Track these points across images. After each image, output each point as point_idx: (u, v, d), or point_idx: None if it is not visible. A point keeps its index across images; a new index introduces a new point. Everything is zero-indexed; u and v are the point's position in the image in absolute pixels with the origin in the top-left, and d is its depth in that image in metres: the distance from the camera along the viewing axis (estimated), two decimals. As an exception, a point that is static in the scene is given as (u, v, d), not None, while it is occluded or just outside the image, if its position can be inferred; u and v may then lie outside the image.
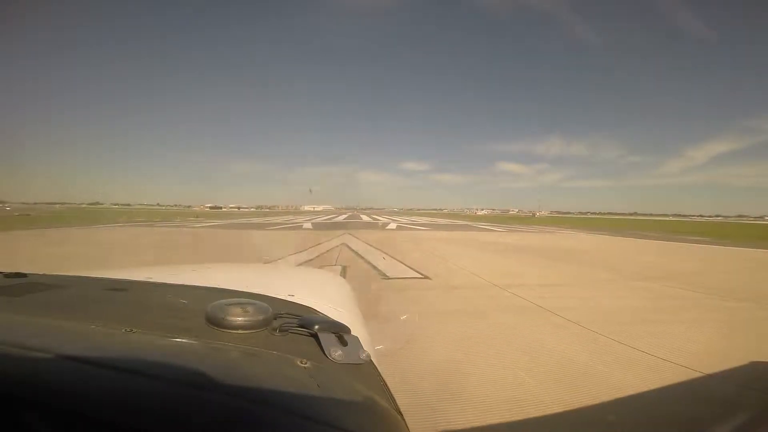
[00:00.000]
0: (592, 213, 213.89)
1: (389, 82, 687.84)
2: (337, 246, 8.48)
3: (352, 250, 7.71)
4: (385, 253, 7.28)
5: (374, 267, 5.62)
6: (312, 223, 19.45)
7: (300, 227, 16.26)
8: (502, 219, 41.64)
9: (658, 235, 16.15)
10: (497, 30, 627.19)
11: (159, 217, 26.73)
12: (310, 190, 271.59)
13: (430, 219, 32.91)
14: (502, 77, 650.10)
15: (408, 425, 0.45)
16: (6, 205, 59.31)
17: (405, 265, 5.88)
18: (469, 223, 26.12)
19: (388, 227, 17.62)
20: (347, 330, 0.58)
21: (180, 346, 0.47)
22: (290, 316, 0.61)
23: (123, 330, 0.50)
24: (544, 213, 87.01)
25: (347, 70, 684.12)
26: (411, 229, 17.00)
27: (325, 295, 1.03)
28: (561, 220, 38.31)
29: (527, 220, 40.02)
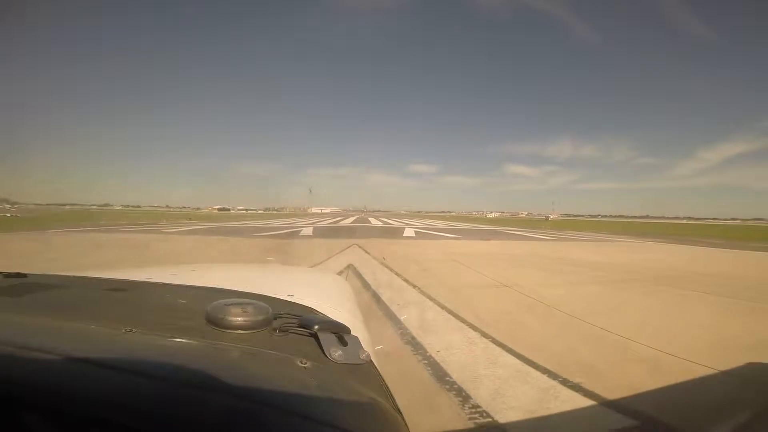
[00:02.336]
0: (602, 215, 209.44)
1: (398, 84, 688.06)
2: (341, 273, 5.13)
3: (366, 285, 4.39)
4: (429, 296, 3.84)
5: (417, 348, 2.40)
6: (314, 228, 15.83)
7: (297, 234, 12.86)
8: (519, 222, 38.31)
9: (726, 242, 13.52)
10: (507, 31, 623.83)
11: (153, 218, 24.60)
12: (310, 190, 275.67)
13: (446, 223, 29.05)
14: (512, 78, 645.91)
15: (408, 425, 0.45)
16: (13, 206, 58.39)
17: (498, 343, 2.54)
18: (494, 227, 21.95)
19: (405, 234, 13.98)
20: (347, 330, 0.58)
21: (180, 346, 0.47)
22: (290, 316, 0.60)
23: (123, 330, 0.50)
24: (555, 216, 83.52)
25: (355, 72, 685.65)
26: (436, 237, 13.21)
27: (325, 295, 1.03)
28: (583, 224, 33.07)
29: (543, 223, 37.12)
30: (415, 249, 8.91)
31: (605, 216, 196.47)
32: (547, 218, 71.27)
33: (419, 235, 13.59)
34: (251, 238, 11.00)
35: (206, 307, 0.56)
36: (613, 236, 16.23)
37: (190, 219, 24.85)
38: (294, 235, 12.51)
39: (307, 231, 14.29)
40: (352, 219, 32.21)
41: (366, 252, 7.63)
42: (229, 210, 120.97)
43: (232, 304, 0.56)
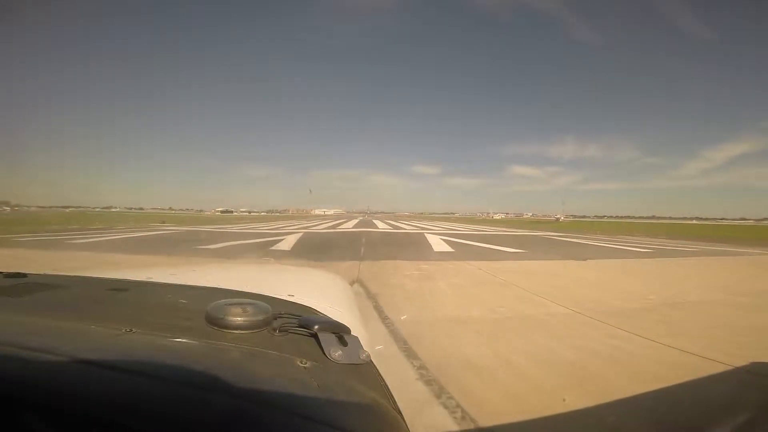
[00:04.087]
0: (608, 216, 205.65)
1: (400, 86, 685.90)
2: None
3: None
4: None
5: None
6: (303, 235, 11.88)
7: (268, 246, 8.53)
8: (534, 224, 34.17)
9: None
10: (510, 30, 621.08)
11: (129, 221, 21.72)
12: (310, 191, 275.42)
13: (464, 226, 24.50)
14: (515, 79, 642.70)
15: (408, 425, 0.45)
16: (13, 209, 56.22)
17: None
18: (528, 232, 17.81)
19: (436, 248, 8.75)
20: (347, 330, 0.57)
21: (180, 346, 0.47)
22: (290, 316, 0.60)
23: (123, 330, 0.50)
24: (560, 216, 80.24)
25: (358, 74, 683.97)
26: (484, 252, 8.20)
27: (325, 295, 1.01)
28: (605, 227, 28.73)
29: (556, 225, 34.13)
30: (487, 293, 4.04)
31: (611, 217, 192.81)
32: (557, 219, 68.26)
33: (460, 251, 8.33)
34: (191, 254, 7.24)
35: (206, 307, 0.56)
36: (690, 242, 12.73)
37: (164, 222, 21.23)
38: (263, 248, 8.35)
39: (289, 242, 9.75)
40: (354, 222, 27.62)
41: (387, 323, 2.87)
42: (231, 212, 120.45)
43: (232, 304, 0.55)
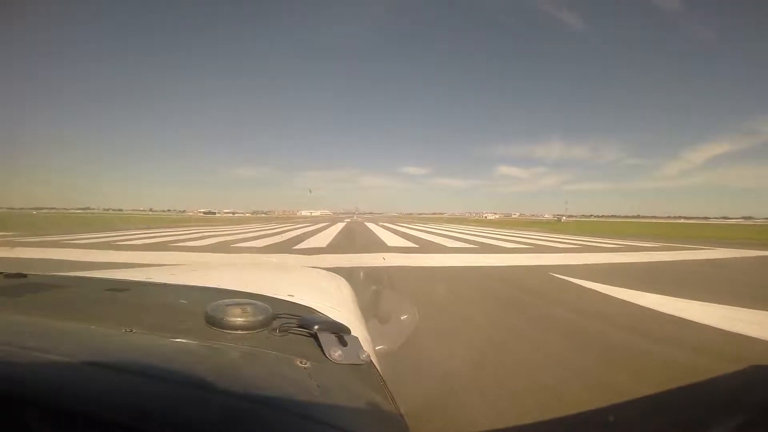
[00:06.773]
0: (595, 216, 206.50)
1: (389, 87, 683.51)
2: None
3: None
4: None
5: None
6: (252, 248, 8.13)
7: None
8: (542, 225, 30.59)
9: None
10: (497, 32, 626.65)
11: (94, 225, 18.76)
12: (310, 191, 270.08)
13: (472, 228, 20.96)
14: (503, 80, 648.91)
15: (408, 425, 0.45)
16: None
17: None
18: (577, 238, 14.28)
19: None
20: (347, 330, 0.57)
21: (180, 347, 0.47)
22: (290, 316, 0.60)
23: (123, 330, 0.50)
24: (563, 217, 77.29)
25: (347, 74, 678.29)
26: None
27: (325, 295, 1.00)
28: (628, 228, 26.35)
29: (565, 226, 30.18)
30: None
31: (598, 216, 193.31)
32: (559, 220, 65.18)
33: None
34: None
35: (206, 308, 0.55)
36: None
37: (136, 224, 17.28)
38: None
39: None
40: (341, 226, 21.33)
41: None
42: (214, 213, 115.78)
43: (231, 305, 0.55)
